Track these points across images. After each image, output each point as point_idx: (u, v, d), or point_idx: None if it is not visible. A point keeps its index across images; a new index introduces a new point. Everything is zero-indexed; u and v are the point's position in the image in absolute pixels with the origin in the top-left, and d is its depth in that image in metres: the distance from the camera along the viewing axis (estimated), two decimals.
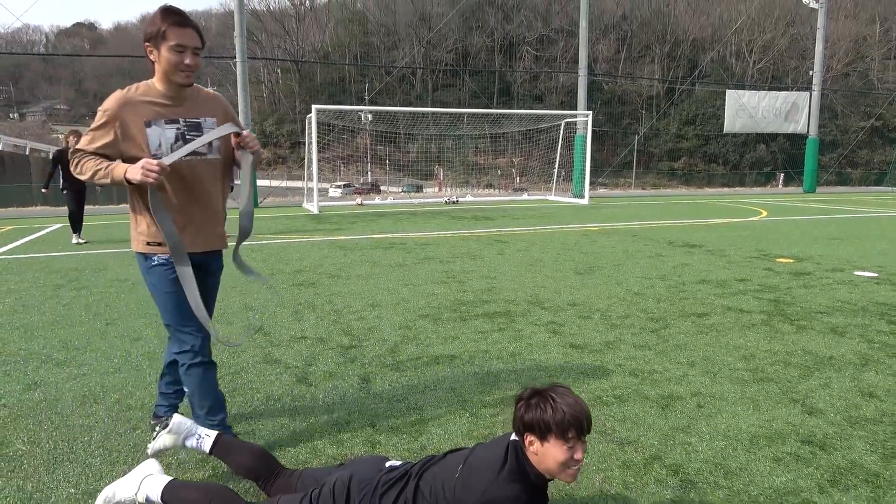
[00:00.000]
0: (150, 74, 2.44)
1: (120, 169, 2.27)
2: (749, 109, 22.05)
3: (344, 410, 3.03)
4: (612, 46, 70.39)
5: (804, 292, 5.56)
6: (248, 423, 2.89)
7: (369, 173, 55.34)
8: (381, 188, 47.27)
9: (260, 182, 18.26)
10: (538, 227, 11.34)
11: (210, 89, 2.63)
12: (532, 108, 61.38)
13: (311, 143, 15.41)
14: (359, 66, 70.63)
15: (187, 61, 2.33)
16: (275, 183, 31.52)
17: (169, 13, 2.32)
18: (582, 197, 17.90)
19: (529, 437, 1.72)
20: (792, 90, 65.86)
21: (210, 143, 2.47)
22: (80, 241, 9.31)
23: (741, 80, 68.11)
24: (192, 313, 2.43)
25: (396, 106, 62.00)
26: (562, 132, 18.90)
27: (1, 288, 6.02)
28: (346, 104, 63.37)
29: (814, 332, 4.29)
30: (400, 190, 41.30)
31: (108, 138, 2.32)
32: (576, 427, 1.69)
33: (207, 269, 2.64)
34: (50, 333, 4.41)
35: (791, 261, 7.26)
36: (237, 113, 17.22)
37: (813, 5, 22.37)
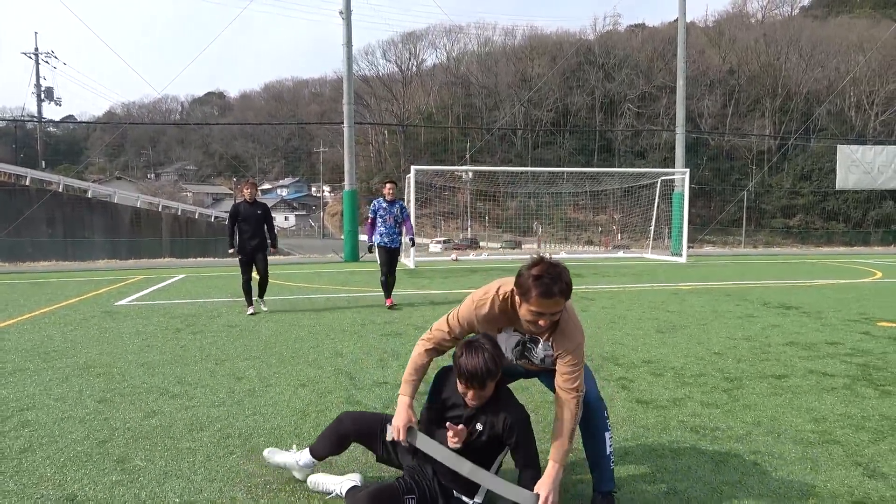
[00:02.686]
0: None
1: (401, 401, 2.62)
2: (864, 165, 20.91)
3: None
4: (719, 101, 68.77)
5: None
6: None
7: (469, 229, 56.44)
8: (480, 244, 48.08)
9: (362, 237, 19.29)
10: (628, 284, 11.29)
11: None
12: (634, 164, 60.73)
13: (409, 201, 16.21)
14: (461, 126, 72.89)
15: (540, 322, 2.42)
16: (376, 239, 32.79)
17: (540, 282, 2.36)
18: (679, 255, 17.54)
19: None
20: None
21: (543, 360, 2.60)
22: (250, 311, 7.99)
23: (862, 133, 64.31)
24: None
25: (496, 163, 63.36)
26: (658, 189, 18.73)
27: (130, 330, 6.85)
28: (449, 162, 65.42)
29: None
30: (499, 246, 41.83)
31: (468, 329, 2.64)
32: (464, 379, 2.43)
33: None
34: (168, 370, 5.03)
35: (894, 325, 6.90)
36: (345, 175, 18.42)
37: None
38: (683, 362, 5.21)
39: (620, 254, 20.76)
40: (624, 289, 10.60)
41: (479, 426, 2.52)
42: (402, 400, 2.64)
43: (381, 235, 8.61)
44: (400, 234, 8.72)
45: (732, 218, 59.78)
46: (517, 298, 2.47)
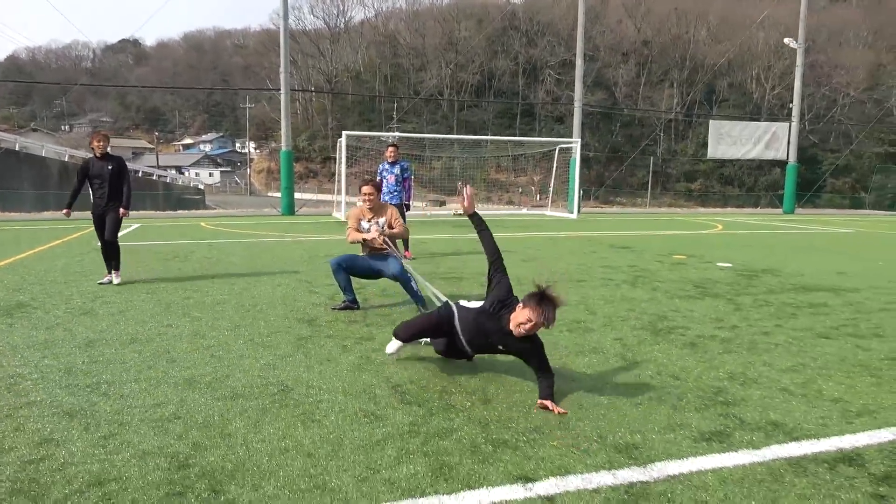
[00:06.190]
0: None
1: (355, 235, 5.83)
2: (730, 138, 24.60)
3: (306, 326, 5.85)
4: (633, 70, 72.88)
5: (665, 273, 8.26)
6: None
7: None
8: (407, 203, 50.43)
9: (297, 195, 21.35)
10: (518, 233, 14.12)
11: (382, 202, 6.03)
12: (553, 129, 64.10)
13: (340, 162, 18.46)
14: (388, 89, 73.97)
15: (365, 200, 5.78)
16: (307, 196, 34.59)
17: (363, 180, 5.90)
18: (572, 212, 20.63)
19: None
20: (808, 115, 66.83)
21: (382, 225, 5.84)
22: (103, 280, 7.15)
23: (759, 104, 70.10)
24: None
25: (423, 124, 65.35)
26: (556, 155, 21.68)
27: (131, 260, 9.02)
28: (376, 122, 66.99)
29: (639, 289, 7.01)
30: (424, 204, 44.37)
31: (356, 220, 5.89)
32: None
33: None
34: (183, 280, 7.35)
35: (683, 257, 9.95)
36: (280, 135, 20.35)
37: (793, 45, 24.89)
38: (529, 276, 7.95)
39: (523, 210, 23.75)
40: (514, 236, 13.41)
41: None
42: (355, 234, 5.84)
43: (382, 194, 9.09)
44: (401, 191, 9.49)
45: (642, 181, 64.22)
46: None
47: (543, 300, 3.49)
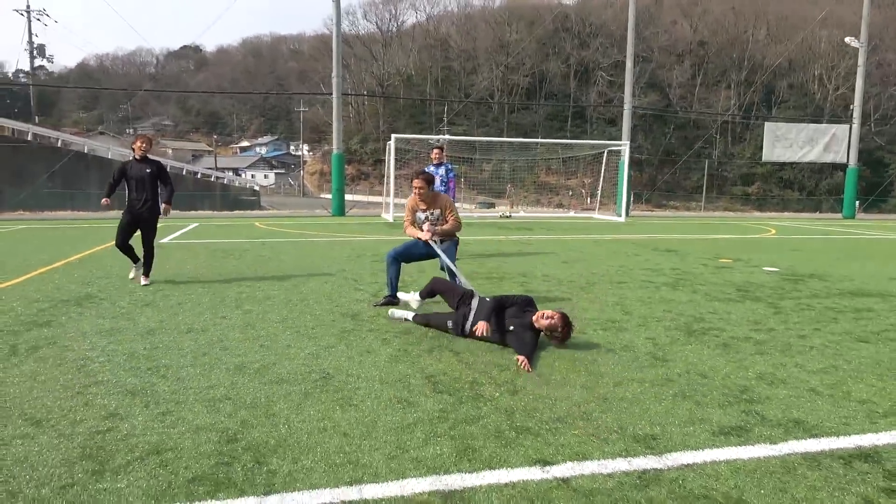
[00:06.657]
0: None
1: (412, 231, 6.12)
2: (787, 140, 23.93)
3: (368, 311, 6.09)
4: (688, 71, 71.32)
5: (708, 276, 8.23)
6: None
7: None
8: (455, 204, 50.70)
9: (346, 196, 21.86)
10: (564, 235, 14.15)
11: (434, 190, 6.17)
12: (605, 131, 63.33)
13: (389, 164, 18.85)
14: (439, 91, 74.39)
15: (416, 194, 5.94)
16: (358, 197, 35.21)
17: (415, 173, 5.97)
18: (620, 215, 20.47)
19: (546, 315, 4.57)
20: (874, 116, 64.16)
21: (438, 217, 6.04)
22: (134, 278, 7.22)
23: (821, 106, 67.58)
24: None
25: (473, 127, 65.61)
26: (605, 158, 21.56)
27: (187, 255, 9.53)
28: (427, 124, 67.56)
29: (679, 291, 7.03)
30: (473, 206, 44.66)
31: (411, 212, 6.11)
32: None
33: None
34: (241, 278, 7.75)
35: (729, 261, 9.85)
36: (332, 138, 20.89)
37: (854, 45, 24.05)
38: (568, 276, 8.06)
39: (571, 213, 23.66)
40: (558, 238, 13.46)
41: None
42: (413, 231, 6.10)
43: None
44: (445, 191, 9.40)
45: (697, 184, 62.72)
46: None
47: (567, 319, 4.61)
